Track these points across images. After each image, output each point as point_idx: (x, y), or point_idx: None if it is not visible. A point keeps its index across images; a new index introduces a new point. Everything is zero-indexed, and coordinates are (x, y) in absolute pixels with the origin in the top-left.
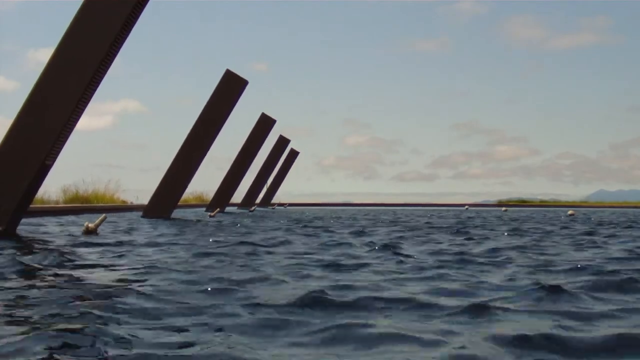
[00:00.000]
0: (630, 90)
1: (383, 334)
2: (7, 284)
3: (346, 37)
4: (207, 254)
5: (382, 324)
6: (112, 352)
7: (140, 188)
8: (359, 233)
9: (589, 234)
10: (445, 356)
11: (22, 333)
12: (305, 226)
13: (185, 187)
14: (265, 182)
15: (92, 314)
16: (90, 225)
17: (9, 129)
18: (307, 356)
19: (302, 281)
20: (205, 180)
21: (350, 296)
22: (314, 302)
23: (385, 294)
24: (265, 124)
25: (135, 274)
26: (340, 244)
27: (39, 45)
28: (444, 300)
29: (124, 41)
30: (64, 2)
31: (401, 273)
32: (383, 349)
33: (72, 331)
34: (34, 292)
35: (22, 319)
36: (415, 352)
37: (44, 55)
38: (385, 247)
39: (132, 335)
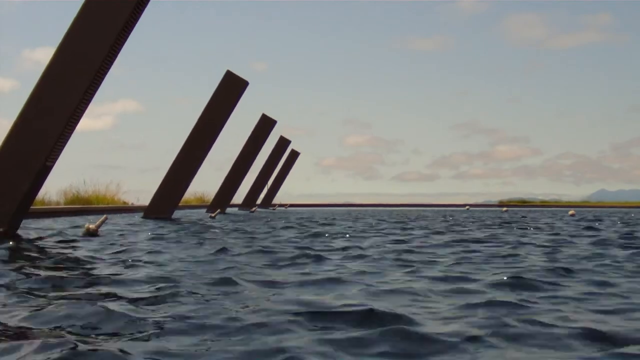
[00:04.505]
0: (631, 90)
1: None
2: (7, 285)
3: (346, 36)
4: None
5: None
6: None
7: (140, 189)
8: None
9: None
10: None
11: (23, 335)
12: None
13: (186, 188)
14: (266, 183)
15: (92, 314)
16: (91, 226)
17: (9, 130)
18: None
19: None
20: (206, 182)
21: None
22: None
23: None
24: (265, 124)
25: (141, 274)
26: None
27: (35, 45)
28: None
29: (124, 42)
30: (62, 1)
31: None
32: None
33: (72, 333)
34: (33, 293)
35: (22, 320)
36: None
37: (40, 54)
38: None
39: (135, 337)
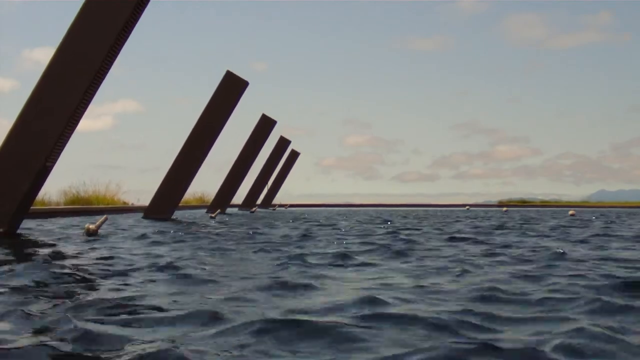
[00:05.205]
0: (631, 90)
1: None
2: (8, 286)
3: (346, 36)
4: None
5: None
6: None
7: (140, 189)
8: None
9: None
10: None
11: (23, 336)
12: None
13: (186, 188)
14: (266, 183)
15: (92, 315)
16: (91, 226)
17: (9, 130)
18: None
19: None
20: (206, 182)
21: None
22: None
23: None
24: (265, 125)
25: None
26: None
27: (35, 45)
28: None
29: (124, 42)
30: (62, 1)
31: None
32: None
33: (71, 335)
34: (34, 294)
35: (22, 321)
36: None
37: (40, 54)
38: None
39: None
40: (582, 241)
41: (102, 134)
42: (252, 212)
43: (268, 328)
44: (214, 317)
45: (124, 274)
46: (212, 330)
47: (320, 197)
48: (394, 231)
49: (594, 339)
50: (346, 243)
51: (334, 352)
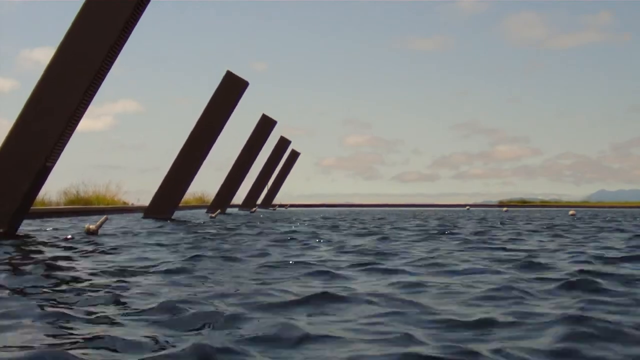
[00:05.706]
0: (631, 90)
1: None
2: (7, 286)
3: (346, 36)
4: None
5: None
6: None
7: (140, 189)
8: None
9: None
10: None
11: (20, 337)
12: None
13: (187, 188)
14: (266, 183)
15: (93, 316)
16: (91, 226)
17: (10, 130)
18: None
19: None
20: (206, 182)
21: None
22: None
23: None
24: (265, 125)
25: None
26: None
27: (35, 45)
28: None
29: (124, 42)
30: (62, 1)
31: None
32: None
33: (70, 335)
34: (34, 294)
35: (22, 321)
36: None
37: (40, 54)
38: None
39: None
40: None
41: (102, 134)
42: (252, 212)
43: None
44: None
45: (123, 274)
46: None
47: (320, 197)
48: None
49: None
50: None
51: None
